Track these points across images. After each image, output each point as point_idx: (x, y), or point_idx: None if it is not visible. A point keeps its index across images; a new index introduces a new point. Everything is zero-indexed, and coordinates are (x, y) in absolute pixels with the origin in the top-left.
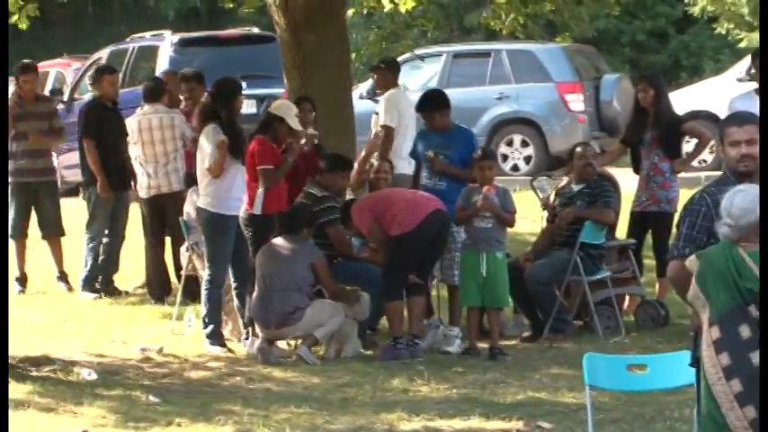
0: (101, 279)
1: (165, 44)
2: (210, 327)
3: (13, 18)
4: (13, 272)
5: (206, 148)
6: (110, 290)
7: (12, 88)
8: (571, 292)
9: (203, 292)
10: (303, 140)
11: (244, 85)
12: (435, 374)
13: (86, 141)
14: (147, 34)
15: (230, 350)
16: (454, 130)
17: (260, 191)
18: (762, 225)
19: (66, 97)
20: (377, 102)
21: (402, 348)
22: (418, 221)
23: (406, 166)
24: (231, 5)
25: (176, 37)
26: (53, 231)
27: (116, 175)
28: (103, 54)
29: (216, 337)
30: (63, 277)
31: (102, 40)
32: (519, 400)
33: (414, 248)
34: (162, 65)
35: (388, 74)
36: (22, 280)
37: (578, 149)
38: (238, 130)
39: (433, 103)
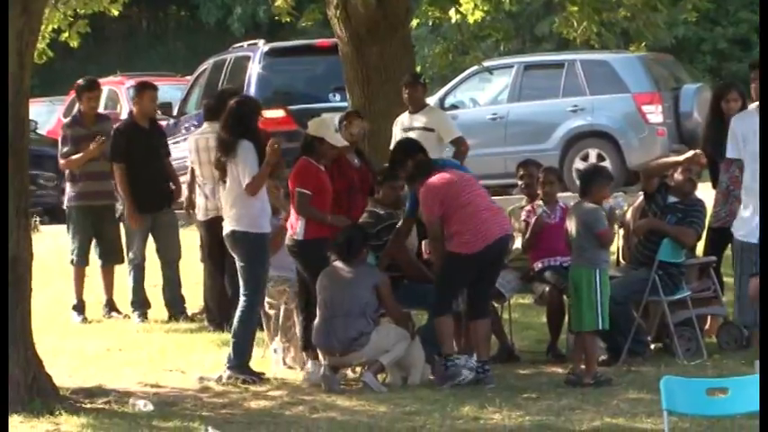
0: (166, 304)
1: (256, 54)
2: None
3: (64, 35)
4: (68, 300)
5: (246, 165)
6: (175, 313)
7: (56, 108)
8: (649, 312)
9: (247, 318)
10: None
11: (337, 96)
12: (507, 401)
13: (115, 166)
14: (245, 43)
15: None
16: None
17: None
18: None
19: (175, 113)
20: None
21: (453, 367)
22: (482, 247)
23: None
24: (289, 19)
25: (267, 47)
26: (114, 258)
27: (147, 197)
28: (207, 66)
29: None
30: (110, 304)
31: (157, 57)
32: (595, 427)
33: (471, 269)
34: (252, 76)
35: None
36: (81, 308)
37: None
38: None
39: (401, 150)
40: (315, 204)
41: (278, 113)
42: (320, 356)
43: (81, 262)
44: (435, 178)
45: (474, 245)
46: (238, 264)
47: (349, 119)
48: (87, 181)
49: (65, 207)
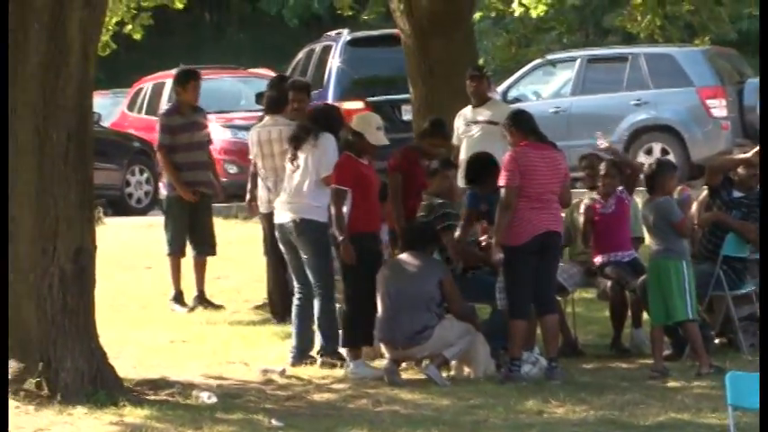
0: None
1: (338, 45)
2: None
3: (127, 28)
4: (132, 292)
5: (327, 157)
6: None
7: (120, 100)
8: (714, 307)
9: (328, 309)
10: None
11: None
12: (571, 395)
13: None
14: (333, 33)
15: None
16: None
17: (344, 210)
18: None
19: None
20: None
21: (516, 371)
22: (528, 238)
23: None
24: (350, 13)
25: (349, 37)
26: (208, 250)
27: None
28: (302, 55)
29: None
30: (201, 297)
31: (220, 49)
32: (659, 422)
33: (526, 262)
34: (332, 67)
35: (487, 83)
36: (180, 298)
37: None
38: None
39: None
40: (357, 198)
41: (357, 105)
42: (363, 355)
43: (177, 252)
44: (532, 151)
45: (521, 236)
46: (306, 254)
47: (432, 135)
48: (190, 171)
49: (162, 197)
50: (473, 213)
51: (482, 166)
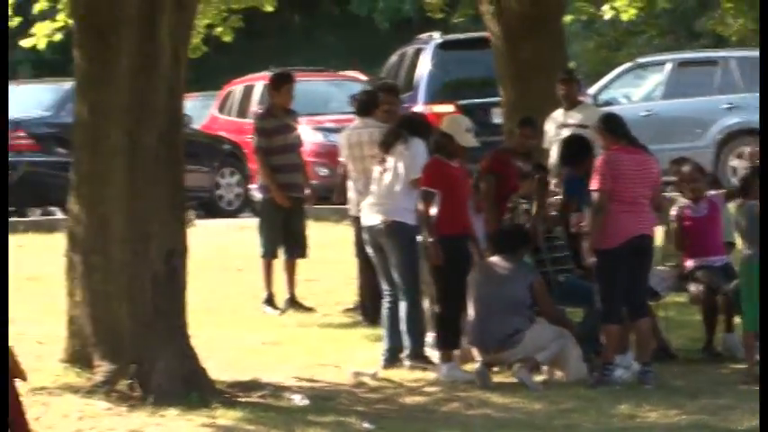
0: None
1: (429, 48)
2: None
3: (217, 30)
4: (223, 293)
5: (417, 160)
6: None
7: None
8: None
9: (416, 314)
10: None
11: None
12: (664, 399)
13: None
14: (425, 35)
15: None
16: None
17: (432, 212)
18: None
19: None
20: None
21: (608, 375)
22: (621, 242)
23: None
24: (441, 16)
25: (441, 39)
26: (299, 252)
27: None
28: (394, 58)
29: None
30: (293, 300)
31: (310, 51)
32: (753, 427)
33: (618, 266)
34: (423, 70)
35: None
36: (272, 300)
37: None
38: None
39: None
40: (447, 202)
41: (447, 108)
42: (454, 357)
43: (270, 254)
44: (624, 155)
45: (614, 239)
46: (394, 256)
47: (522, 126)
48: (286, 173)
49: (257, 198)
50: (573, 200)
51: (579, 146)
